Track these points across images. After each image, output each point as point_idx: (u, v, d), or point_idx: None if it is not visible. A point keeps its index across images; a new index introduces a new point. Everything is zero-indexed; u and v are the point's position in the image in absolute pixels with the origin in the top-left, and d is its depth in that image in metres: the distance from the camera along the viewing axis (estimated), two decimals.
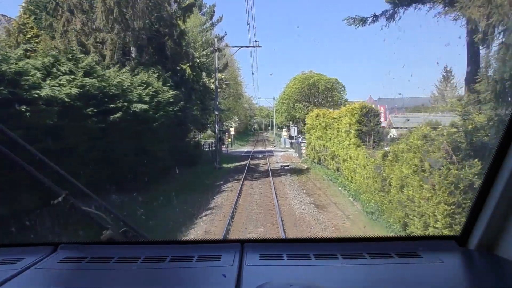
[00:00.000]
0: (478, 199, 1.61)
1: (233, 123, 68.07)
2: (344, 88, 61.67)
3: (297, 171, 21.22)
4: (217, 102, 24.63)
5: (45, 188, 1.59)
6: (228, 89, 54.28)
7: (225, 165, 24.96)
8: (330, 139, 18.54)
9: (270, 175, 19.02)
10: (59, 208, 1.62)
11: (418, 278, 1.47)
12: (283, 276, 1.50)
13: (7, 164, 1.51)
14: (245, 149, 45.53)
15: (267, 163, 26.19)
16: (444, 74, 49.91)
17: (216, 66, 25.02)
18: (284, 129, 49.76)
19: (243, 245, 1.71)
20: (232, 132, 46.55)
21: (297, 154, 32.65)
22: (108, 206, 1.86)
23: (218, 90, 38.34)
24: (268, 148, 46.81)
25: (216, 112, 24.27)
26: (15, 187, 6.64)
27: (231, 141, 46.87)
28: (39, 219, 7.02)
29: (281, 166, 24.00)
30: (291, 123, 57.91)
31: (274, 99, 70.53)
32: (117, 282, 1.48)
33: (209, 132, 48.22)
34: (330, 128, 18.82)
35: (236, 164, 26.52)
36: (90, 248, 1.74)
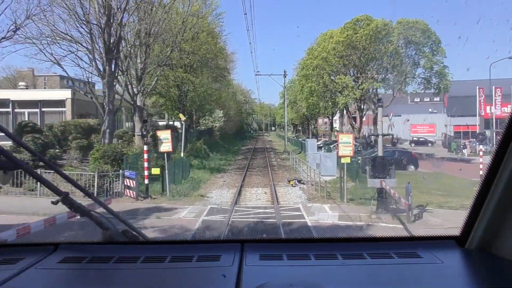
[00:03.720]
0: (478, 199, 1.65)
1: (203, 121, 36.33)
2: (440, 43, 26.53)
3: None
4: None
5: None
6: None
7: None
8: None
9: None
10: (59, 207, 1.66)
11: (418, 278, 1.52)
12: (283, 276, 1.52)
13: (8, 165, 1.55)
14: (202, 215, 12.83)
15: None
16: None
17: None
18: (340, 130, 14.92)
19: (243, 245, 1.75)
20: (166, 147, 8.71)
21: None
22: (108, 206, 1.88)
23: None
24: (289, 198, 15.48)
25: None
26: None
27: (164, 173, 8.51)
28: None
29: None
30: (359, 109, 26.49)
31: (285, 75, 38.63)
32: (117, 282, 1.53)
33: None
34: None
35: None
36: (90, 248, 1.79)
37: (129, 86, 24.34)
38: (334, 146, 36.74)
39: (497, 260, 1.55)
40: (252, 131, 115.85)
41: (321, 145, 33.08)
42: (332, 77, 28.42)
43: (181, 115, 21.53)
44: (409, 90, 30.25)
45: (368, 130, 41.55)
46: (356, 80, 28.57)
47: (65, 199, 1.59)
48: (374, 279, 1.50)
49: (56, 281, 1.50)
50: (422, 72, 28.37)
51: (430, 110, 62.57)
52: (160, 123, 47.81)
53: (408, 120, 49.69)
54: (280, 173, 23.95)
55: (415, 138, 52.99)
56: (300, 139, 53.98)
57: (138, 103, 25.43)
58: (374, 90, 28.82)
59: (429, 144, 50.69)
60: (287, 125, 57.15)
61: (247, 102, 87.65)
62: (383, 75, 28.72)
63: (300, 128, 78.53)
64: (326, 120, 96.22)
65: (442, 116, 55.99)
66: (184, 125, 20.78)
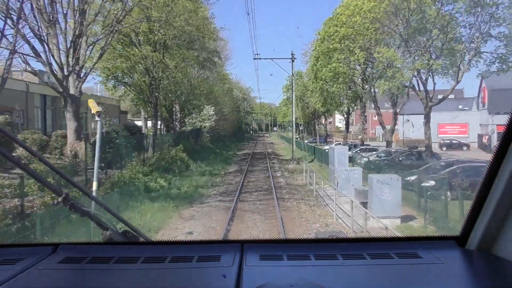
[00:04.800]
0: (478, 199, 1.65)
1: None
2: None
3: None
4: None
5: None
6: None
7: None
8: None
9: None
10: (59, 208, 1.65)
11: (418, 278, 1.53)
12: (283, 276, 1.53)
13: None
14: None
15: None
16: None
17: None
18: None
19: (243, 245, 1.76)
20: None
21: None
22: (108, 206, 1.86)
23: None
24: None
25: None
26: None
27: None
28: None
29: None
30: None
31: (292, 60, 26.65)
32: (117, 283, 1.53)
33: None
34: None
35: None
36: (90, 248, 1.80)
37: (54, 64, 15.05)
38: (357, 151, 27.14)
39: (497, 260, 1.56)
40: (251, 132, 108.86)
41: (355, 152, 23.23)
42: (368, 52, 19.20)
43: (90, 103, 10.05)
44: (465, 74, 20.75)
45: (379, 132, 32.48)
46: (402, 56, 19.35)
47: (65, 199, 1.60)
48: (374, 279, 1.52)
49: (56, 281, 1.52)
50: (498, 45, 19.25)
51: (460, 106, 52.91)
52: (138, 123, 38.27)
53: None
54: (294, 206, 14.56)
55: (446, 141, 43.63)
56: (306, 141, 45.04)
57: (72, 91, 15.78)
58: (428, 72, 19.74)
59: (464, 148, 41.52)
60: (290, 125, 47.65)
61: (246, 100, 78.48)
62: (439, 52, 19.43)
63: (302, 129, 69.62)
64: (330, 120, 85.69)
65: (477, 114, 46.57)
66: (100, 123, 10.25)
